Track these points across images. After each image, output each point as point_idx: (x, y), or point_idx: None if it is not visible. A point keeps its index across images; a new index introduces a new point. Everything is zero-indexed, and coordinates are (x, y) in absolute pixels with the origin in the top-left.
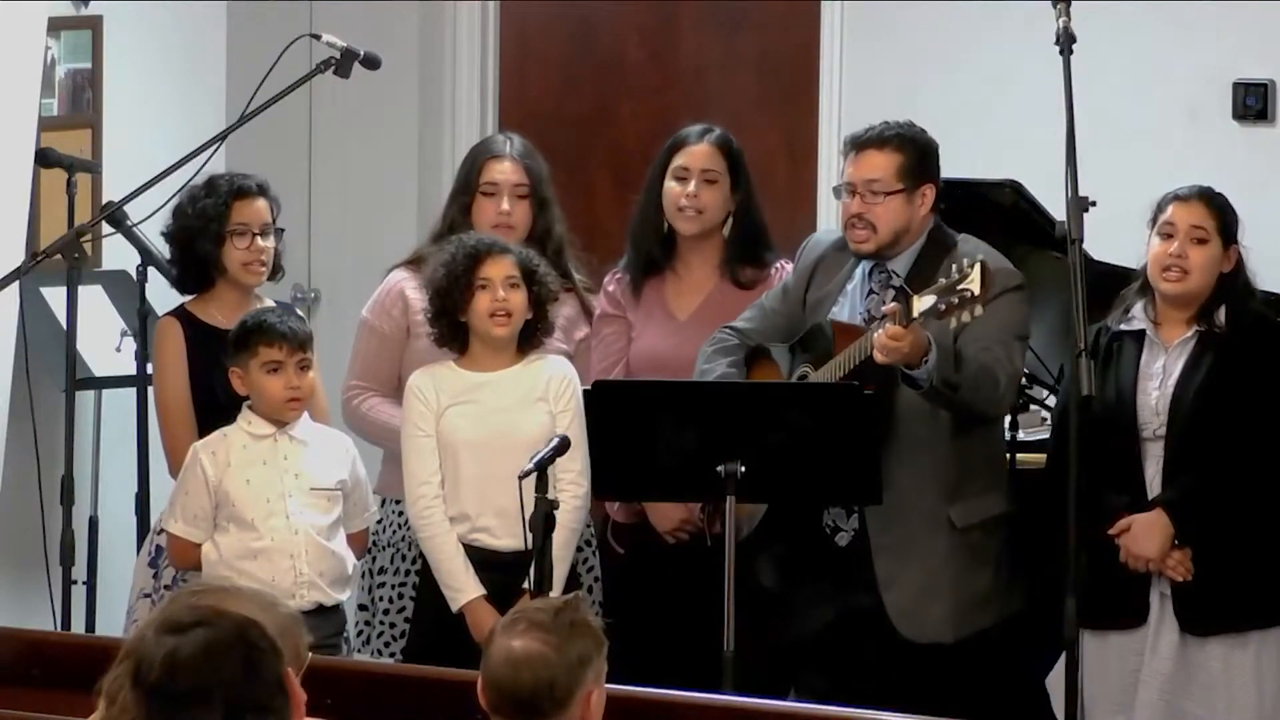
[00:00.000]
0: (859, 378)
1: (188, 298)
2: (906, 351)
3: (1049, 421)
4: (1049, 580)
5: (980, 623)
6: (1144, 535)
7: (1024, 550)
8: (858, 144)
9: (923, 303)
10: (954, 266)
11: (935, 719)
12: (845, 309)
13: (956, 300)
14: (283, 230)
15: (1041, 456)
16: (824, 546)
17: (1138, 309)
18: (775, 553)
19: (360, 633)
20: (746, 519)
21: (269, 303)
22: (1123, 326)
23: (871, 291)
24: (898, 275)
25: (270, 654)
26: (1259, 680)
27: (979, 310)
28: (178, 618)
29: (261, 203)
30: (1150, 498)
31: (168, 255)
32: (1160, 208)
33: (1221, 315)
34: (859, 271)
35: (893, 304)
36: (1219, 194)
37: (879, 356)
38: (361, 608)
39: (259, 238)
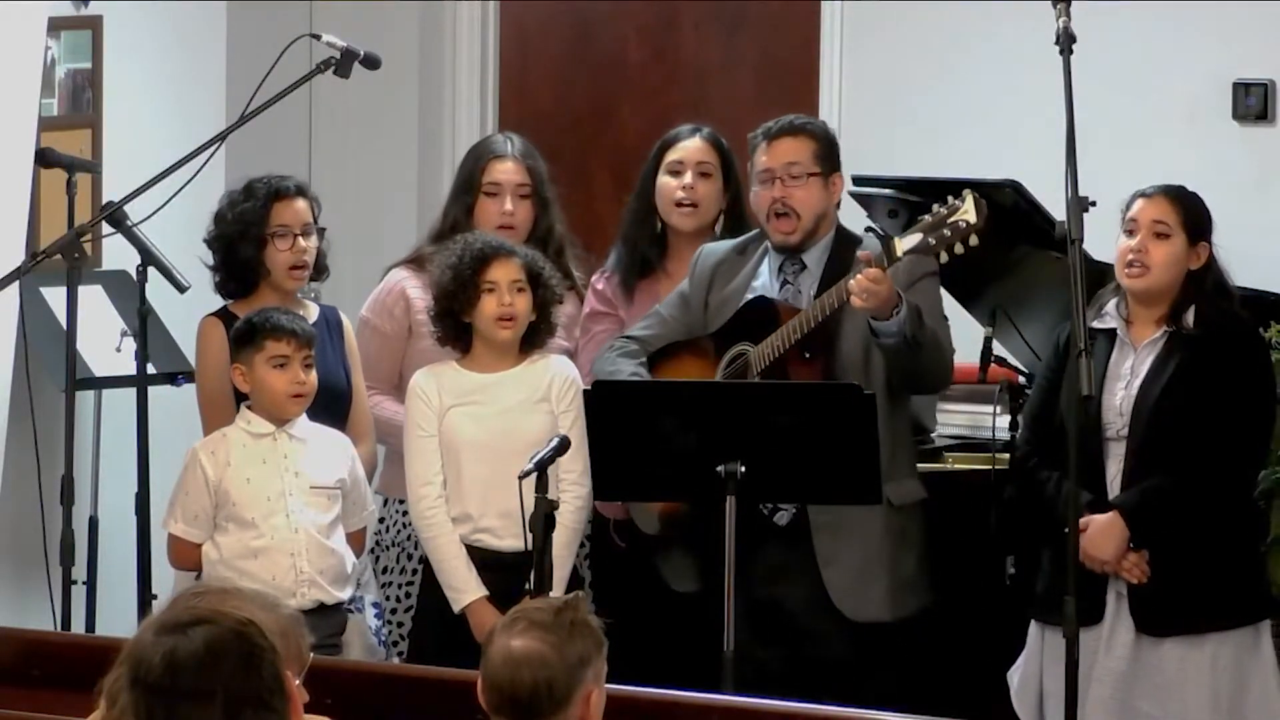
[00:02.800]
0: (805, 345)
1: (227, 301)
2: (882, 296)
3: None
4: (1014, 576)
5: (910, 606)
6: (1100, 537)
7: (1013, 549)
8: (769, 134)
9: (907, 241)
10: (935, 206)
11: (933, 718)
12: None
13: (949, 232)
14: (324, 230)
15: (967, 455)
16: (762, 526)
17: (1110, 306)
18: (691, 547)
19: None
20: (647, 517)
21: (314, 307)
22: (1095, 324)
23: (786, 282)
24: (806, 265)
25: (269, 652)
26: (1214, 682)
27: (974, 241)
28: (176, 618)
29: (301, 203)
30: (1110, 498)
31: (210, 262)
32: (1127, 205)
33: (1190, 316)
34: (765, 266)
35: (866, 252)
36: (1188, 191)
37: (856, 301)
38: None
39: (300, 238)
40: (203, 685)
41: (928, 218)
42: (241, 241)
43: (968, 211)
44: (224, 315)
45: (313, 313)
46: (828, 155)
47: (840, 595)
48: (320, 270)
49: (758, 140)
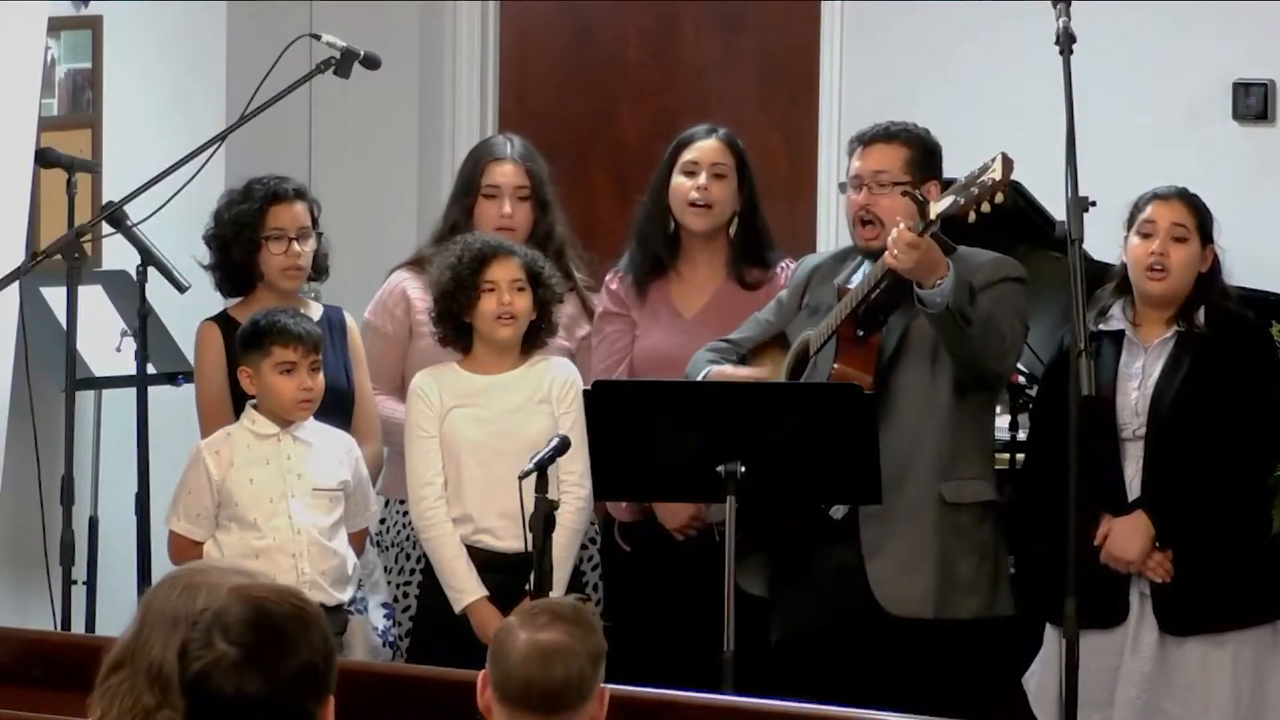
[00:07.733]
0: (860, 324)
1: (232, 302)
2: (919, 259)
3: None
4: (1026, 577)
5: (962, 609)
6: (1126, 537)
7: (1013, 550)
8: (864, 139)
9: (941, 204)
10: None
11: (936, 719)
12: None
13: (976, 190)
14: (322, 234)
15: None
16: (818, 522)
17: (1116, 309)
18: (765, 546)
19: None
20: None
21: (317, 307)
22: (1100, 327)
23: None
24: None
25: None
26: (1235, 681)
27: (999, 198)
28: (231, 628)
29: (299, 207)
30: (1130, 498)
31: (207, 260)
32: (1139, 207)
33: (1201, 316)
34: (861, 271)
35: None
36: (1195, 194)
37: (890, 258)
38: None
39: (295, 242)
40: (226, 703)
41: (961, 179)
42: (236, 243)
43: (995, 170)
44: (221, 320)
45: (315, 313)
46: (922, 163)
47: (880, 587)
48: (320, 271)
49: (853, 144)
